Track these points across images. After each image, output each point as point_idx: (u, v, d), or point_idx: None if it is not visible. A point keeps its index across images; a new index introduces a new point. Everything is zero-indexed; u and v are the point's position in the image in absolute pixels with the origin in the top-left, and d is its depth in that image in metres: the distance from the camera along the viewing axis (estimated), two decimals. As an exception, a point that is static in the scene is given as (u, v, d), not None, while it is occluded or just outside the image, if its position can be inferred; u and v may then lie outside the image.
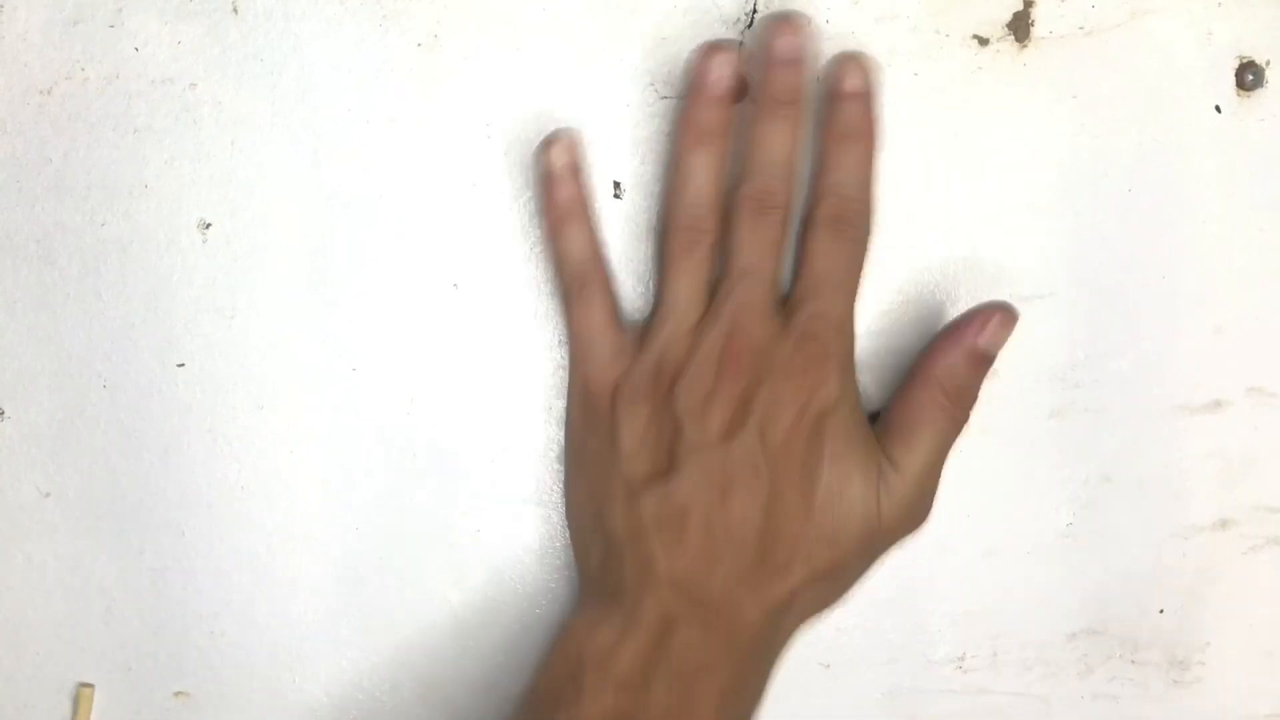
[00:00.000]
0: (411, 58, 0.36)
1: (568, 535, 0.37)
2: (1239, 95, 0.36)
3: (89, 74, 0.36)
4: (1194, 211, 0.37)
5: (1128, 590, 0.38)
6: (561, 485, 0.37)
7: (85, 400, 0.37)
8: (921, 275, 0.37)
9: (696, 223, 0.33)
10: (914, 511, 0.34)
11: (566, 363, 0.37)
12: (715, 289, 0.33)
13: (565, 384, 0.37)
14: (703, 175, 0.33)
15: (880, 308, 0.37)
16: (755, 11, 0.36)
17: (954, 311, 0.37)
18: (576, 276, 0.35)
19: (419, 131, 0.36)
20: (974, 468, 0.37)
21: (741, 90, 0.35)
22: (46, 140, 0.36)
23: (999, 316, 0.34)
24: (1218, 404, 0.37)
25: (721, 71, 0.33)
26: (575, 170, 0.35)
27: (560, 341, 0.37)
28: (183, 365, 0.37)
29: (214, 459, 0.37)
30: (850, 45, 0.36)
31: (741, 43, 0.36)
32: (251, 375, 0.37)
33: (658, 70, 0.36)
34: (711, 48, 0.33)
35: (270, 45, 0.36)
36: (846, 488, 0.32)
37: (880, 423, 0.34)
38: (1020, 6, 0.36)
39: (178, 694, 0.38)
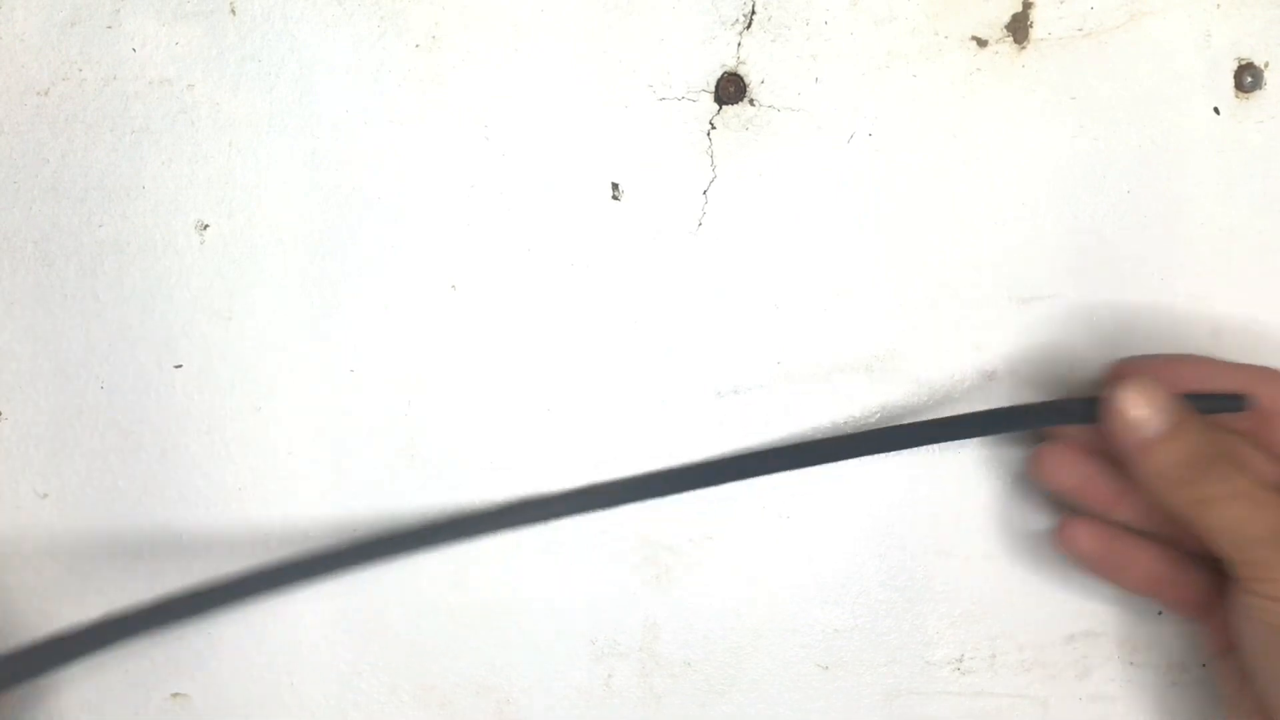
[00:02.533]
0: (410, 58, 0.36)
1: (571, 535, 0.37)
2: (1237, 97, 0.36)
3: (86, 75, 0.36)
4: (1192, 213, 0.36)
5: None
6: (556, 487, 0.37)
7: (83, 401, 0.37)
8: (919, 277, 0.37)
9: None
10: None
11: (565, 364, 0.37)
12: None
13: (564, 386, 0.37)
14: None
15: (879, 311, 0.37)
16: (754, 12, 0.36)
17: (951, 314, 0.37)
18: None
19: (417, 133, 0.36)
20: (972, 469, 0.37)
21: (739, 90, 0.35)
22: (44, 141, 0.36)
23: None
24: (1216, 406, 0.37)
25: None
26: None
27: (559, 343, 0.37)
28: (180, 366, 0.37)
29: (212, 460, 0.37)
30: (850, 47, 0.36)
31: (740, 43, 0.36)
32: (249, 377, 0.37)
33: (656, 71, 0.36)
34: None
35: (268, 46, 0.36)
36: None
37: None
38: (1019, 8, 0.36)
39: (175, 695, 0.38)
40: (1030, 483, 0.37)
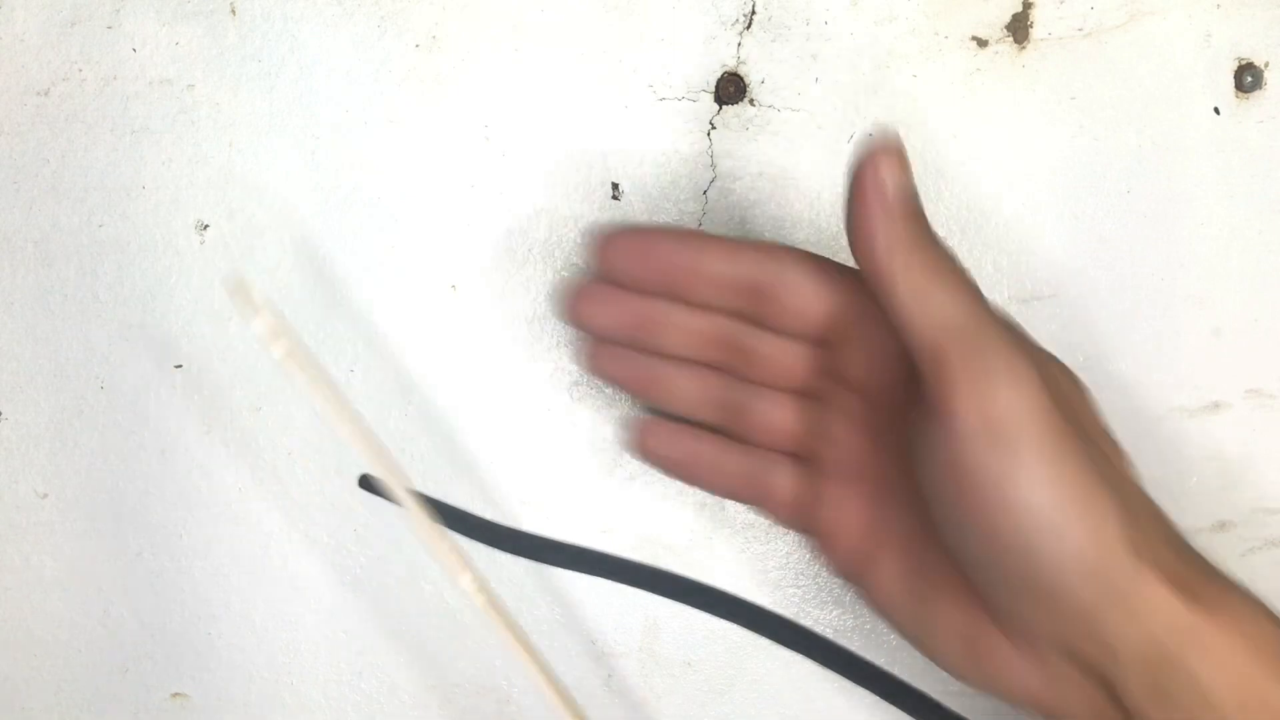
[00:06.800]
0: (410, 59, 0.36)
1: (570, 535, 0.37)
2: (1238, 97, 0.36)
3: (86, 75, 0.36)
4: (1193, 213, 0.36)
5: (1126, 592, 0.38)
6: (556, 486, 0.37)
7: (83, 402, 0.37)
8: (920, 277, 0.37)
9: None
10: None
11: (564, 364, 0.37)
12: None
13: (563, 385, 0.37)
14: None
15: (879, 309, 0.37)
16: (754, 12, 0.36)
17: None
18: None
19: (417, 133, 0.36)
20: (972, 469, 0.37)
21: (739, 90, 0.35)
22: (44, 141, 0.36)
23: (866, 170, 0.27)
24: (1216, 406, 0.37)
25: None
26: None
27: (559, 343, 0.37)
28: (180, 367, 0.37)
29: (212, 460, 0.37)
30: (850, 47, 0.36)
31: (740, 43, 0.36)
32: (249, 377, 0.37)
33: (656, 71, 0.36)
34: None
35: (268, 46, 0.36)
36: None
37: None
38: (1019, 8, 0.36)
39: (175, 695, 0.38)
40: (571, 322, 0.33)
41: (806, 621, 0.38)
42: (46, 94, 0.36)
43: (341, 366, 0.37)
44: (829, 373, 0.31)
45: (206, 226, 0.37)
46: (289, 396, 0.37)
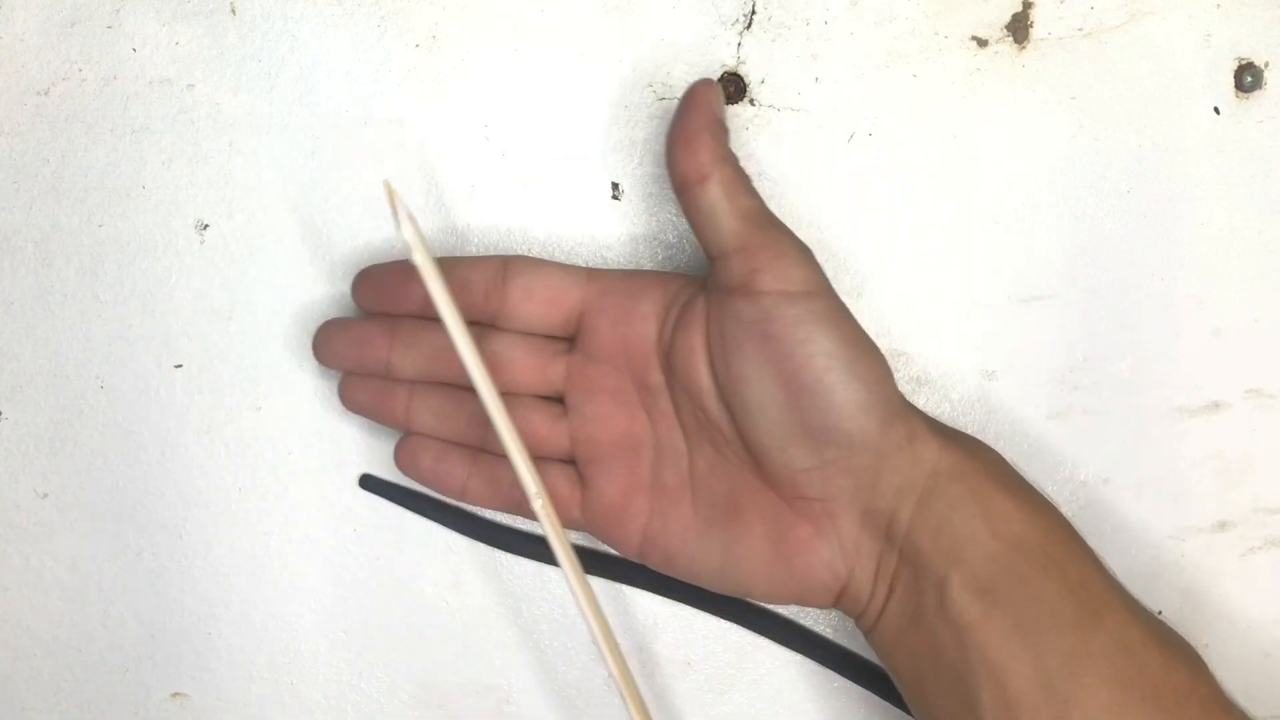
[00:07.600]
0: (410, 58, 0.36)
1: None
2: (1238, 97, 0.36)
3: (86, 75, 0.36)
4: (1193, 213, 0.36)
5: (1126, 592, 0.38)
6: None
7: (83, 401, 0.37)
8: (919, 277, 0.37)
9: None
10: None
11: (565, 364, 0.37)
12: None
13: (563, 385, 0.37)
14: None
15: (879, 312, 0.37)
16: (754, 12, 0.36)
17: (952, 314, 0.37)
18: None
19: (417, 133, 0.36)
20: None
21: (739, 90, 0.35)
22: (44, 141, 0.36)
23: (698, 93, 0.31)
24: (1216, 406, 0.37)
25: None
26: None
27: (558, 343, 0.37)
28: (180, 366, 0.37)
29: (212, 460, 0.37)
30: (849, 47, 0.36)
31: (740, 43, 0.36)
32: (249, 376, 0.37)
33: (655, 71, 0.36)
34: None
35: (268, 46, 0.36)
36: None
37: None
38: (1019, 8, 0.36)
39: (175, 695, 0.38)
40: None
41: (806, 621, 0.38)
42: (46, 94, 0.36)
43: (341, 366, 0.37)
44: (578, 356, 0.33)
45: (206, 226, 0.37)
46: (289, 396, 0.37)
